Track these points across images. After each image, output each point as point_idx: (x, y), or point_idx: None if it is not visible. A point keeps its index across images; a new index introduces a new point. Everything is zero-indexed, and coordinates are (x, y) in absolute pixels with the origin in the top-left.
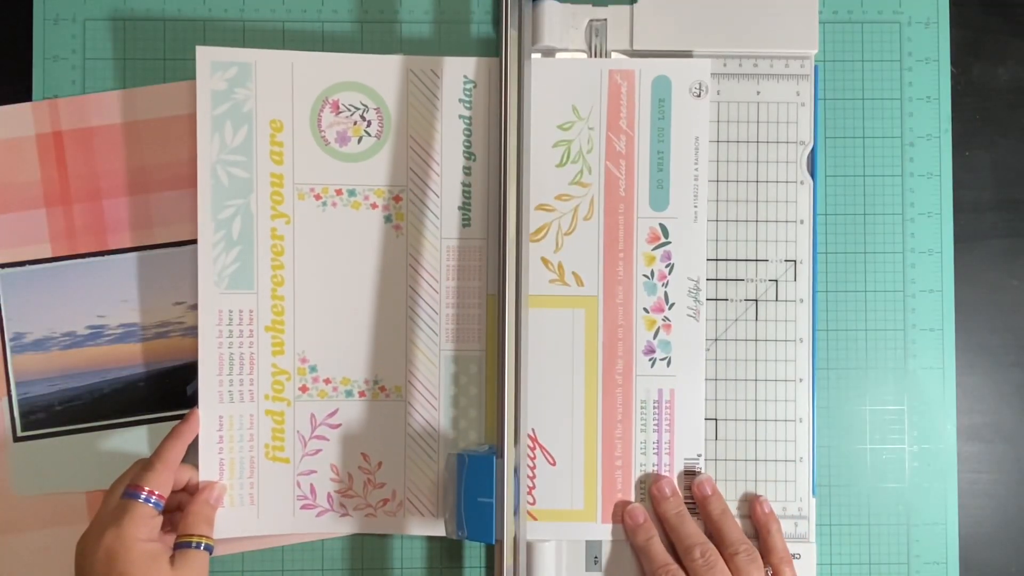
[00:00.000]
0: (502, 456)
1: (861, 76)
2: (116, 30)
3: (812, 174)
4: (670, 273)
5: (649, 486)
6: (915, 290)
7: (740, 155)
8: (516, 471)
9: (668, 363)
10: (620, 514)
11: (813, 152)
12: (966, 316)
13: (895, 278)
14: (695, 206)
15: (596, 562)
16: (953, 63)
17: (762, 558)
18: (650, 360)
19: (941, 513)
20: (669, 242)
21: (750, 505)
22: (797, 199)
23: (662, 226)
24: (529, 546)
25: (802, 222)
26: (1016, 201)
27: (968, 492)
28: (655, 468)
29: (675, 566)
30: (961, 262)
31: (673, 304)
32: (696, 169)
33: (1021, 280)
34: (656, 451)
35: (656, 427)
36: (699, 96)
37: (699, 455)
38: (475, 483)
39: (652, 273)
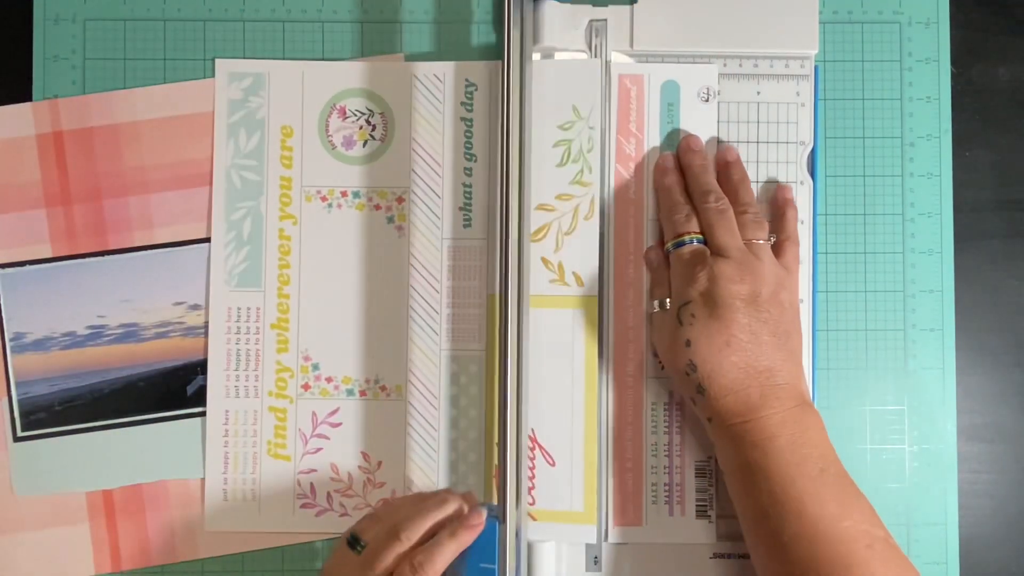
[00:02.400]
0: (504, 521)
1: (861, 76)
2: (116, 30)
3: (812, 174)
4: None
5: (679, 142)
6: (915, 290)
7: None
8: (518, 535)
9: None
10: (629, 515)
11: (813, 152)
12: (966, 316)
13: (895, 278)
14: None
15: (596, 562)
16: (953, 63)
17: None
18: (660, 363)
19: (941, 513)
20: None
21: (773, 189)
22: (797, 199)
23: None
24: (529, 546)
25: (802, 222)
26: (1016, 201)
27: (968, 492)
28: (666, 470)
29: (689, 207)
30: (961, 262)
31: None
32: None
33: (1021, 280)
34: (667, 453)
35: (667, 429)
36: (707, 101)
37: (710, 457)
38: (477, 548)
39: None
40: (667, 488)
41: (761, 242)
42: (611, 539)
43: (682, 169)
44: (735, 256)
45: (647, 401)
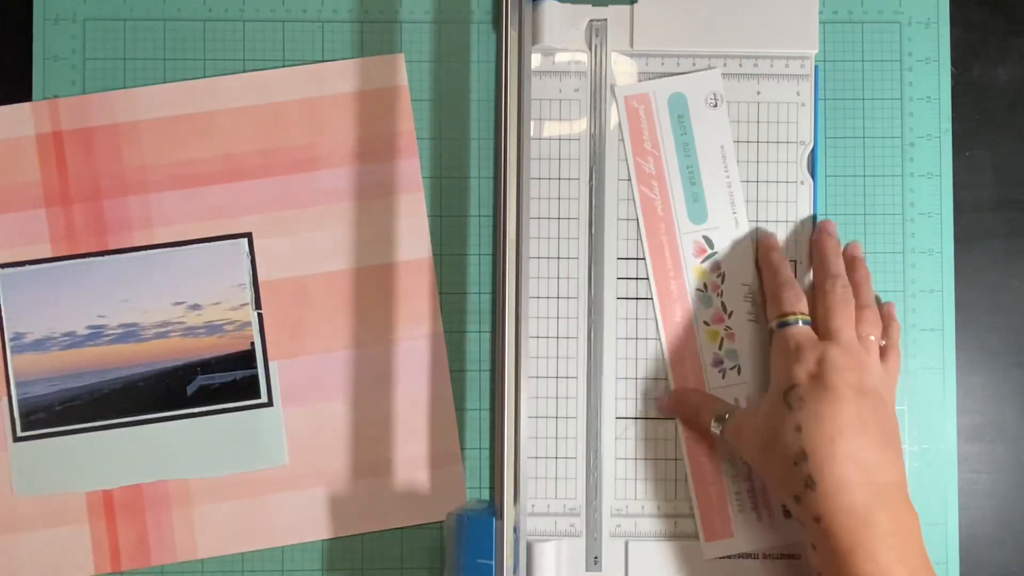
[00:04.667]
0: (501, 517)
1: (861, 76)
2: (116, 30)
3: (812, 174)
4: (722, 283)
5: (817, 226)
6: (915, 290)
7: (740, 155)
8: (516, 531)
9: (738, 371)
10: (718, 529)
11: (813, 152)
12: (966, 316)
13: (895, 278)
14: (734, 212)
15: (596, 562)
16: (953, 63)
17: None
18: (720, 371)
19: (941, 513)
20: (715, 252)
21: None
22: (797, 199)
23: (706, 238)
24: (529, 546)
25: (802, 222)
26: (1016, 201)
27: (968, 492)
28: (746, 477)
29: (799, 288)
30: (961, 262)
31: (732, 312)
32: (727, 176)
33: (1021, 280)
34: (741, 459)
35: None
36: (715, 106)
37: None
38: (474, 543)
39: (706, 286)
40: (750, 494)
41: (872, 338)
42: (706, 556)
43: (815, 247)
44: (846, 345)
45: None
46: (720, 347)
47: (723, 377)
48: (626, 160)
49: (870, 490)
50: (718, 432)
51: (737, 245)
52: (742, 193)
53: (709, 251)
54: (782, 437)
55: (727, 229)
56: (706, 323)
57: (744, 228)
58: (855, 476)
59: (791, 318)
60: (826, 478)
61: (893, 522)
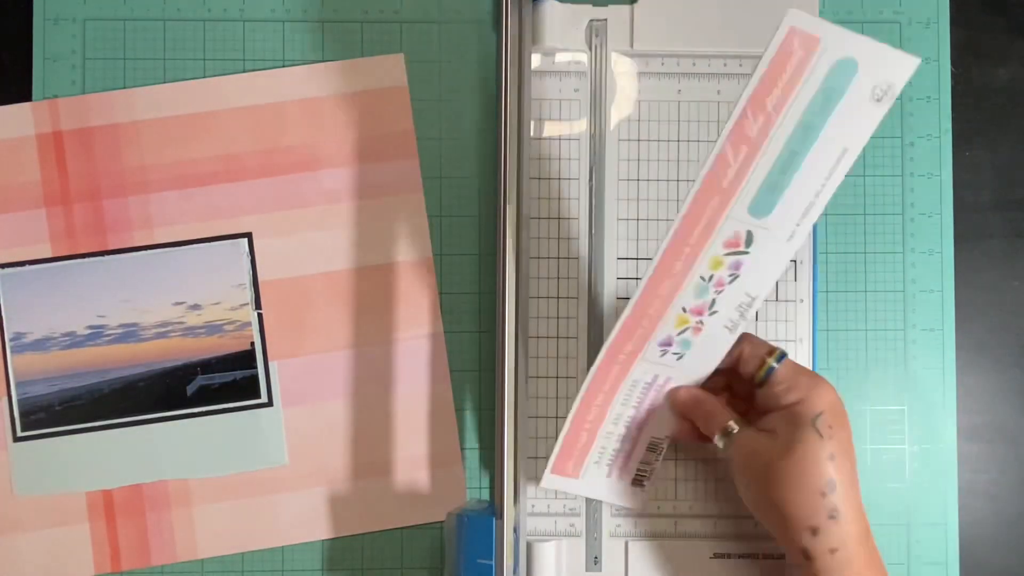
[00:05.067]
0: (501, 517)
1: None
2: (116, 30)
3: None
4: (729, 283)
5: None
6: (915, 290)
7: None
8: (516, 531)
9: (679, 358)
10: (568, 468)
11: None
12: (966, 316)
13: (895, 278)
14: (797, 224)
15: (596, 562)
16: (953, 63)
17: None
18: (662, 351)
19: (941, 513)
20: (747, 252)
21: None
22: None
23: (749, 233)
24: (529, 546)
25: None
26: (1016, 201)
27: (968, 492)
28: (620, 439)
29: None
30: (961, 262)
31: (715, 312)
32: (823, 186)
33: (1021, 280)
34: (627, 425)
35: (636, 405)
36: (879, 100)
37: (666, 437)
38: (474, 543)
39: (710, 277)
40: (614, 454)
41: None
42: (542, 484)
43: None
44: None
45: (630, 378)
46: (679, 333)
47: (661, 356)
48: (734, 105)
49: (863, 515)
50: (721, 446)
51: (774, 257)
52: (822, 212)
53: (742, 248)
54: (815, 466)
55: (778, 237)
56: (683, 309)
57: (791, 249)
58: (860, 502)
59: (773, 361)
60: (851, 508)
61: (870, 542)
